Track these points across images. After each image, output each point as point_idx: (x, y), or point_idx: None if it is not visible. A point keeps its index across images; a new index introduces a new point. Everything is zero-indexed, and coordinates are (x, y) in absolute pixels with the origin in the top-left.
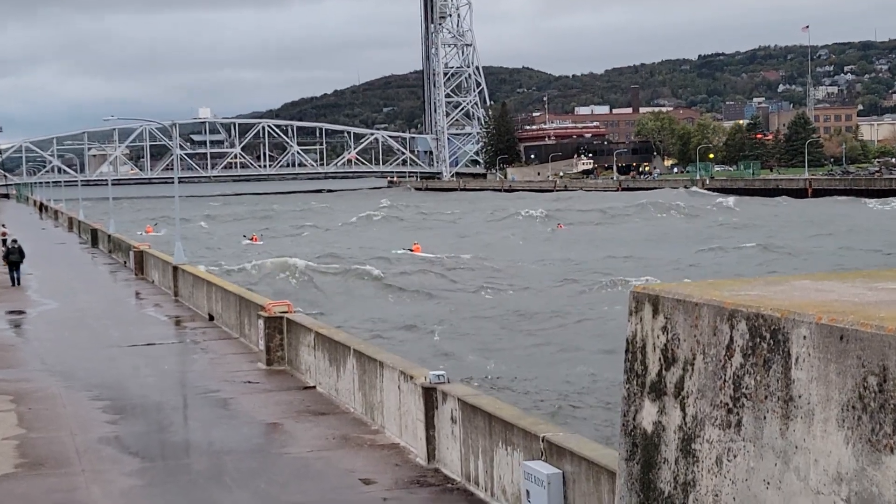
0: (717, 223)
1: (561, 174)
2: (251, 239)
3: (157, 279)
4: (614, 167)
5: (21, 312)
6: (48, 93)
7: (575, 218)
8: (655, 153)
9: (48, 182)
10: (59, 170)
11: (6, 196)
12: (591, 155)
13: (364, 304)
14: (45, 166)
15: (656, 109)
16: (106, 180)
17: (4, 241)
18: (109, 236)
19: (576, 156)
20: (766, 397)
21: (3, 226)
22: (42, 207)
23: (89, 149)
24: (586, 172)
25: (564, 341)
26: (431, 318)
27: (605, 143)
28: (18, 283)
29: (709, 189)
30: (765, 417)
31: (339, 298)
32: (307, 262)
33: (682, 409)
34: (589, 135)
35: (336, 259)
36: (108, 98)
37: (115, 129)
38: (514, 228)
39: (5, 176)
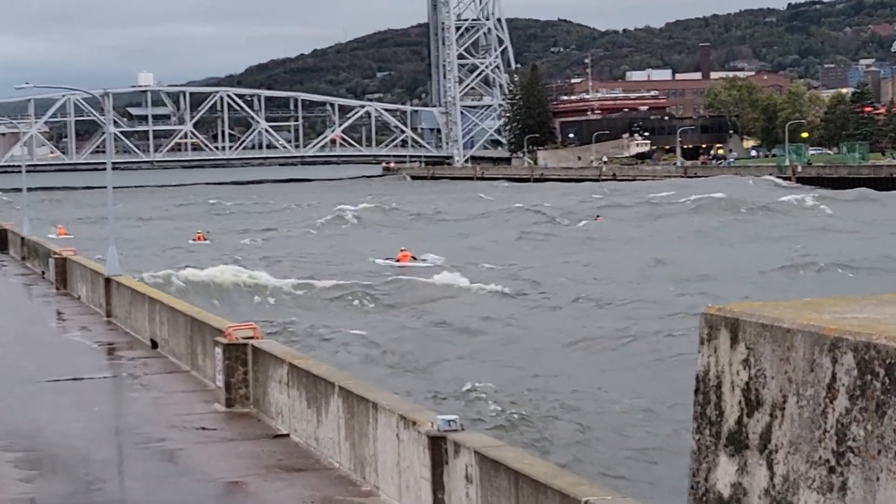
0: (808, 227)
1: (606, 159)
2: (196, 238)
3: (85, 295)
4: (678, 150)
5: None
6: None
7: (618, 214)
8: (731, 132)
9: None
10: None
11: None
12: (647, 134)
13: (338, 326)
14: None
15: (732, 75)
16: (19, 166)
17: None
18: (23, 239)
19: (627, 135)
20: (879, 452)
21: None
22: None
23: None
24: (641, 156)
25: (611, 377)
26: (431, 344)
27: (666, 118)
28: None
29: (799, 179)
30: (878, 479)
31: (305, 319)
32: (257, 274)
33: (770, 468)
34: (644, 108)
35: (299, 269)
36: (21, 61)
37: (30, 101)
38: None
39: None
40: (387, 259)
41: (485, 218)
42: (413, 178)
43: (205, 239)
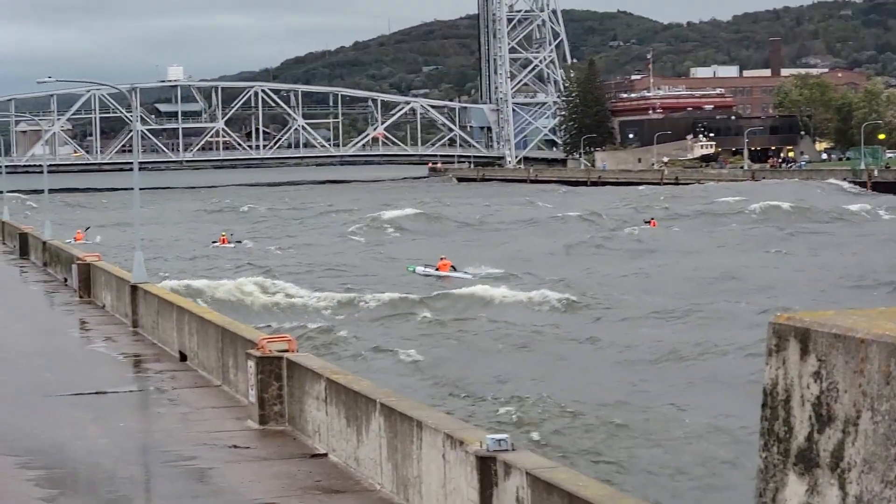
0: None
1: (666, 160)
2: (220, 241)
3: (110, 303)
4: (745, 152)
5: None
6: None
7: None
8: (803, 133)
9: None
10: None
11: None
12: (711, 135)
13: (376, 340)
14: None
15: (804, 72)
16: (40, 166)
17: None
18: (45, 244)
19: (691, 136)
20: None
21: None
22: None
23: (17, 123)
24: (706, 159)
25: (675, 393)
26: (478, 360)
27: (733, 118)
28: None
29: (875, 186)
30: None
31: (342, 334)
32: (284, 285)
33: (842, 488)
34: (710, 106)
35: (332, 278)
36: (42, 53)
37: (52, 96)
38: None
39: None
40: (426, 267)
41: (534, 225)
42: (459, 179)
43: (229, 242)
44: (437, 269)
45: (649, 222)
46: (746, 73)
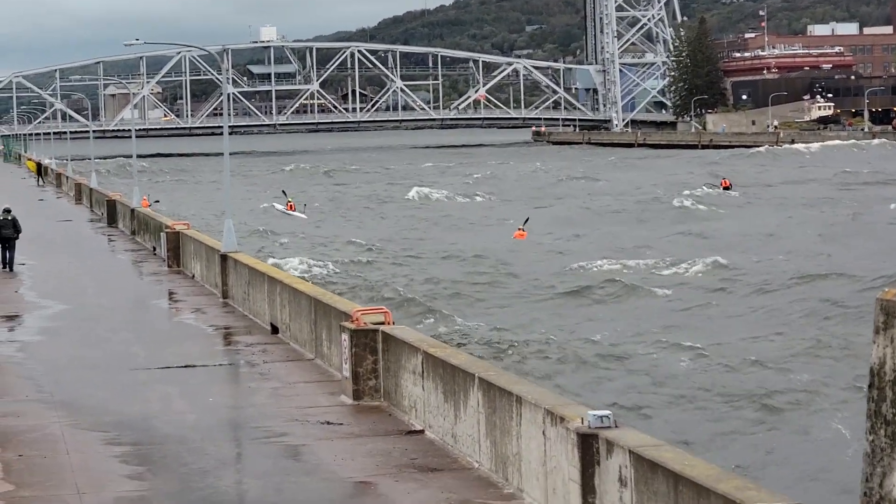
0: None
1: (777, 123)
2: (287, 207)
3: (199, 273)
4: (865, 113)
5: (10, 318)
6: (47, 7)
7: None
8: None
9: (48, 133)
10: (65, 116)
11: None
12: (830, 95)
13: (475, 312)
14: (43, 111)
15: None
16: (129, 131)
17: None
18: (133, 211)
19: (808, 96)
20: None
21: None
22: (41, 170)
23: (106, 86)
24: (824, 121)
25: (782, 372)
26: (583, 327)
27: (853, 77)
28: (10, 268)
29: None
30: None
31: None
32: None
33: None
34: (828, 66)
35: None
36: (131, 14)
37: (141, 59)
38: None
39: None
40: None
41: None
42: (553, 143)
43: (295, 210)
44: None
45: (722, 183)
46: (867, 31)
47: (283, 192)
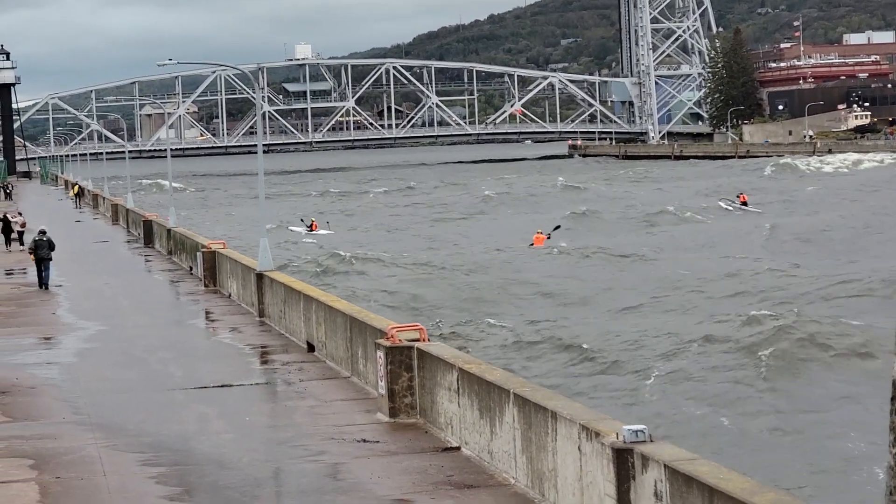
0: None
1: (812, 133)
2: (310, 227)
3: (236, 292)
4: None
5: (47, 339)
6: (82, 28)
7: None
8: None
9: (84, 154)
10: (101, 136)
11: (27, 175)
12: (866, 104)
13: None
14: (80, 132)
15: None
16: (165, 150)
17: (21, 233)
18: (169, 231)
19: (845, 106)
20: None
21: (20, 214)
22: (80, 192)
23: (142, 106)
24: (861, 130)
25: (821, 380)
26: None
27: (889, 86)
28: (46, 287)
29: None
30: None
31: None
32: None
33: None
34: (864, 75)
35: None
36: (167, 35)
37: (177, 79)
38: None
39: (25, 146)
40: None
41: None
42: (583, 155)
43: (319, 228)
44: (531, 245)
45: (739, 197)
46: None
47: (301, 219)
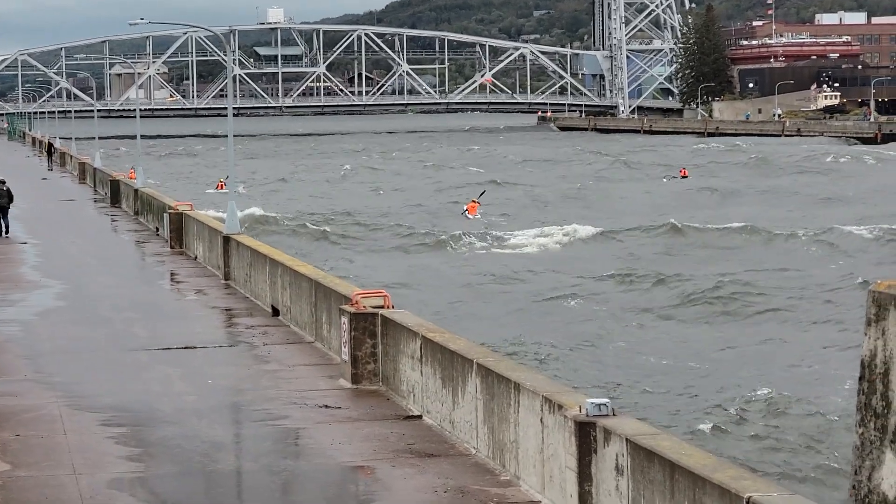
0: None
1: (781, 112)
2: (217, 186)
3: (202, 254)
4: (871, 103)
5: (11, 297)
6: None
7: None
8: None
9: (53, 112)
10: (70, 94)
11: None
12: (837, 84)
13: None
14: (48, 89)
15: None
16: (134, 110)
17: None
18: (136, 192)
19: (815, 86)
20: None
21: None
22: (50, 149)
23: (112, 65)
24: (831, 110)
25: (787, 358)
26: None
27: (860, 67)
28: (7, 232)
29: None
30: None
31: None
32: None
33: None
34: (835, 55)
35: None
36: None
37: (147, 38)
38: None
39: None
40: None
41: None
42: (561, 128)
43: (225, 188)
44: (465, 211)
45: (681, 172)
46: (875, 20)
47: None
